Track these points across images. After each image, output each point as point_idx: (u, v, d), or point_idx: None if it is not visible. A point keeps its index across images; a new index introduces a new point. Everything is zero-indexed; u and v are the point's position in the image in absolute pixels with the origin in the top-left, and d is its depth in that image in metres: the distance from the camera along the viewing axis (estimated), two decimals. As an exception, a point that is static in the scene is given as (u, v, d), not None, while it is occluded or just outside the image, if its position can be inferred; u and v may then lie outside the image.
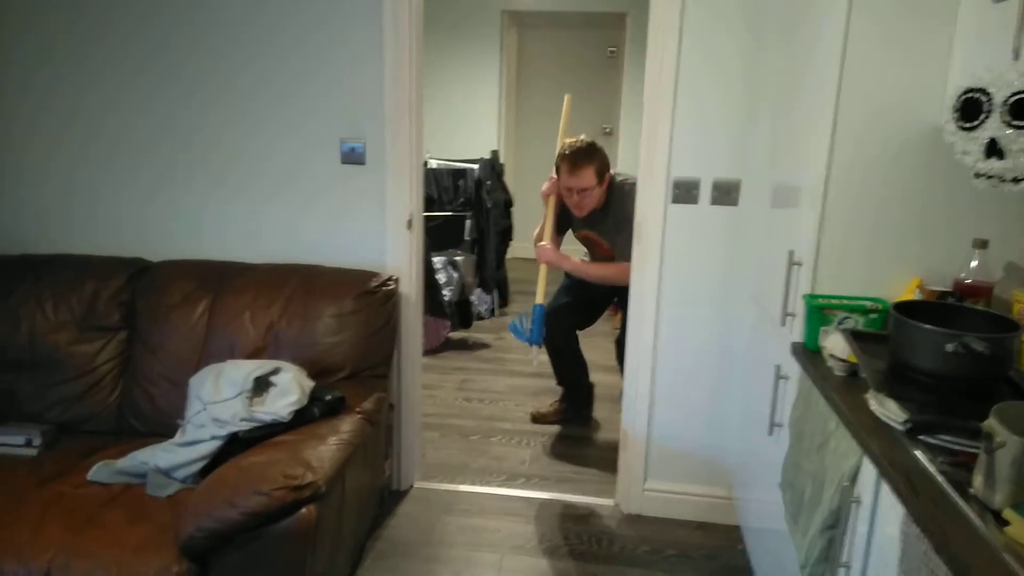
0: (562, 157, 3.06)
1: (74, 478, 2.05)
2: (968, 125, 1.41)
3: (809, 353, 1.80)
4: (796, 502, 1.71)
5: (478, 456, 3.24)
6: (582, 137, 3.09)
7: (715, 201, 2.50)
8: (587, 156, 3.01)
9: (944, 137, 1.56)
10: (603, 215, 3.12)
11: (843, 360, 1.66)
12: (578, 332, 3.42)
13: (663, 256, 2.57)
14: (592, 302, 3.38)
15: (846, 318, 1.77)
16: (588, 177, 3.00)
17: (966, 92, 1.42)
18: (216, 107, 2.62)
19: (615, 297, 3.37)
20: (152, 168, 2.69)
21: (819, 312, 1.79)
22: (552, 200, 3.20)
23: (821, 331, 1.78)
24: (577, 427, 3.53)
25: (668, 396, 2.69)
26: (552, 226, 3.21)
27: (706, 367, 2.64)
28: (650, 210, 2.54)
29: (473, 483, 2.99)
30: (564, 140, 3.13)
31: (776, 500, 1.99)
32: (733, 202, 2.49)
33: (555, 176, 3.14)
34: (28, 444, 2.21)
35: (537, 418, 3.57)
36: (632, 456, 2.75)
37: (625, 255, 2.93)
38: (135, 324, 2.47)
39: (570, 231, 3.38)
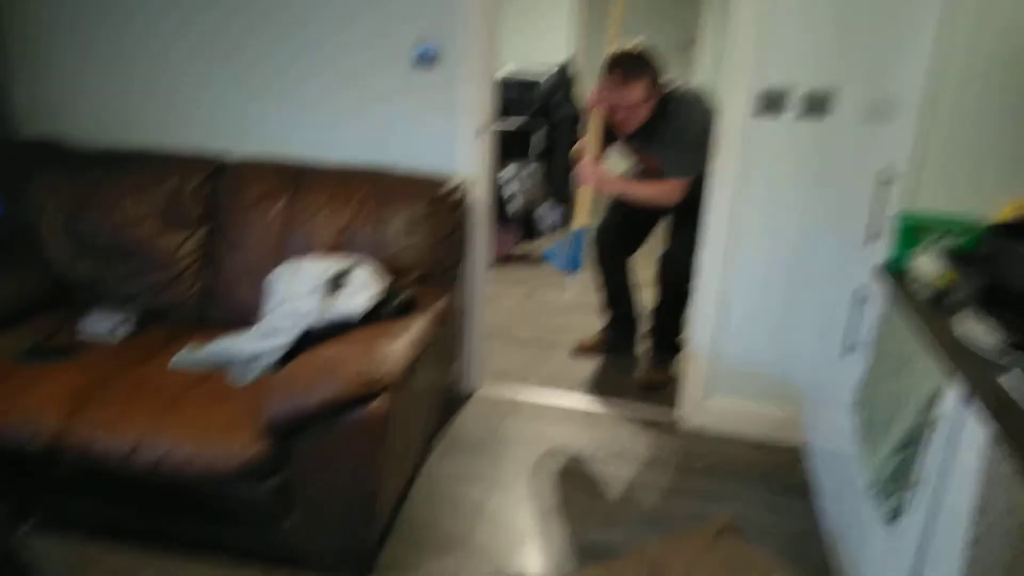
0: (609, 67, 2.67)
1: (158, 362, 2.17)
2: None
3: (894, 274, 1.74)
4: (869, 422, 1.69)
5: (540, 365, 3.28)
6: (634, 43, 2.73)
7: (802, 114, 2.38)
8: (638, 67, 2.64)
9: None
10: (652, 129, 2.77)
11: (931, 281, 1.60)
12: (631, 256, 3.22)
13: (742, 171, 2.48)
14: (644, 219, 3.16)
15: (939, 238, 1.69)
16: (638, 91, 2.64)
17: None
18: (291, 8, 2.59)
19: (669, 213, 3.05)
20: (232, 69, 2.70)
21: (910, 232, 1.72)
22: (598, 112, 2.79)
23: (910, 251, 1.71)
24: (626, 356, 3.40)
25: (738, 313, 2.65)
26: (597, 141, 2.81)
27: (780, 286, 2.58)
28: (732, 123, 2.44)
29: (536, 391, 3.04)
30: (613, 46, 2.71)
31: (844, 421, 1.97)
32: (821, 116, 2.37)
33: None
34: (115, 329, 2.33)
35: (581, 347, 3.42)
36: (697, 371, 2.75)
37: (675, 172, 2.74)
38: (216, 220, 2.53)
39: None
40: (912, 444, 1.44)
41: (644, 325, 3.33)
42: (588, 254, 3.07)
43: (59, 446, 1.90)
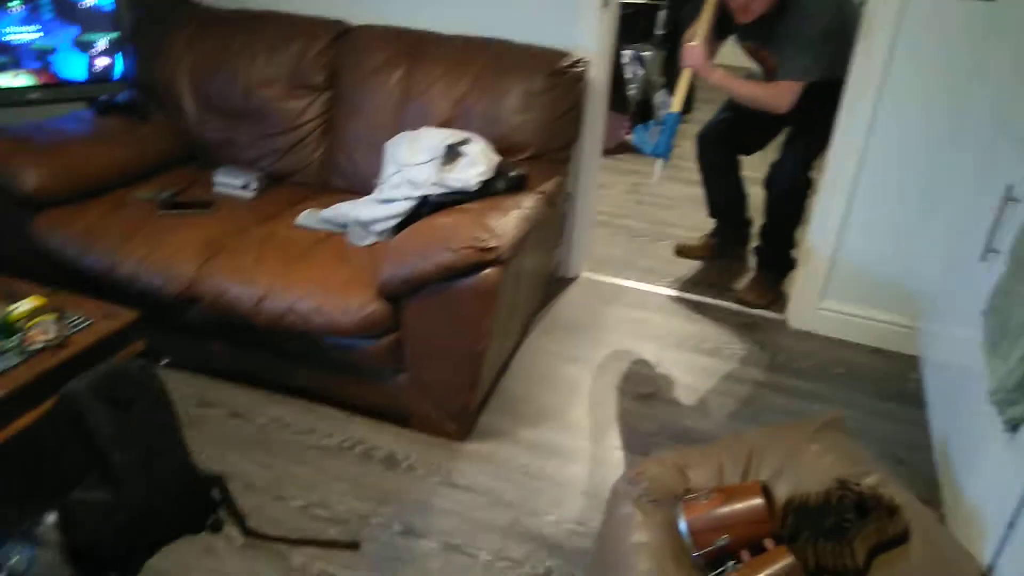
0: None
1: (285, 221, 2.27)
2: None
3: (1055, 173, 1.59)
4: (1000, 328, 1.59)
5: (645, 257, 3.24)
6: None
7: (969, -8, 2.14)
8: None
9: None
10: (773, 23, 2.46)
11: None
12: (737, 159, 2.97)
13: (891, 55, 2.28)
14: (758, 124, 2.78)
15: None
16: None
17: None
18: None
19: (788, 122, 2.74)
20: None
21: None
22: None
23: (1077, 149, 1.55)
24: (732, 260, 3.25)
25: (865, 213, 2.50)
26: (709, 25, 2.54)
27: (916, 184, 2.41)
28: None
29: (639, 280, 3.02)
30: None
31: (967, 331, 1.87)
32: (990, -5, 2.13)
33: None
34: (245, 187, 2.45)
35: (682, 251, 3.27)
36: (812, 271, 2.65)
37: (788, 73, 2.45)
38: (338, 86, 2.57)
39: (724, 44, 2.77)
40: (1049, 353, 1.36)
41: (754, 235, 3.11)
42: (695, 154, 2.95)
43: (193, 292, 2.05)
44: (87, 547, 1.61)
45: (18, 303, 1.74)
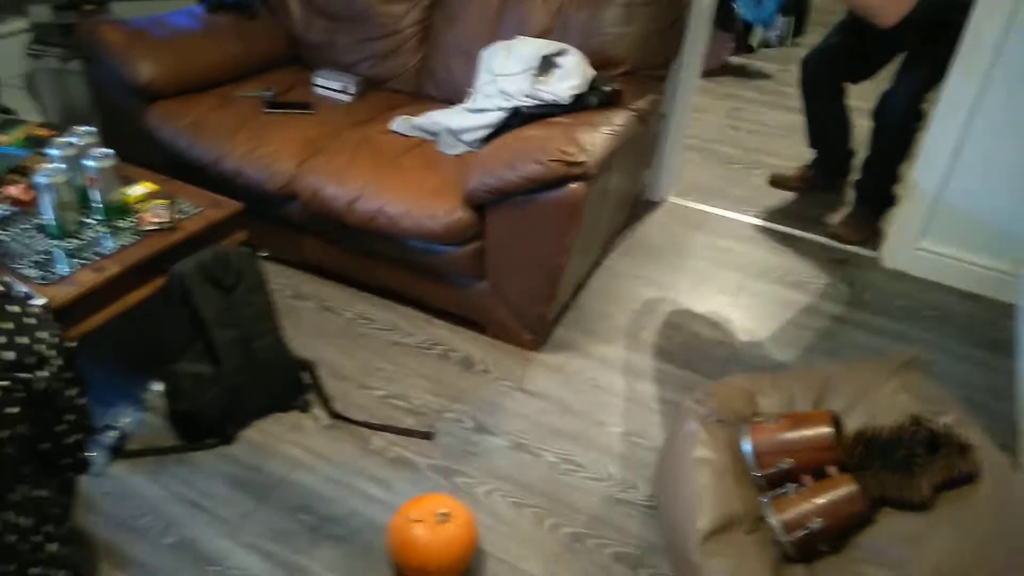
0: None
1: (379, 126, 2.32)
2: None
3: None
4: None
5: (736, 185, 3.17)
6: None
7: None
8: None
9: None
10: None
11: None
12: (843, 85, 2.81)
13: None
14: (874, 48, 2.67)
15: None
16: None
17: None
18: None
19: (911, 46, 2.57)
20: None
21: None
22: None
23: None
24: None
25: (978, 151, 2.36)
26: None
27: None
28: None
29: (727, 209, 2.96)
30: None
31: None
32: None
33: None
34: (344, 90, 2.51)
35: (776, 181, 3.17)
36: (912, 210, 2.53)
37: None
38: (438, -9, 2.57)
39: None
40: None
41: (855, 168, 2.98)
42: (799, 79, 2.81)
43: (292, 188, 2.15)
44: (188, 414, 1.77)
45: (133, 186, 1.87)
